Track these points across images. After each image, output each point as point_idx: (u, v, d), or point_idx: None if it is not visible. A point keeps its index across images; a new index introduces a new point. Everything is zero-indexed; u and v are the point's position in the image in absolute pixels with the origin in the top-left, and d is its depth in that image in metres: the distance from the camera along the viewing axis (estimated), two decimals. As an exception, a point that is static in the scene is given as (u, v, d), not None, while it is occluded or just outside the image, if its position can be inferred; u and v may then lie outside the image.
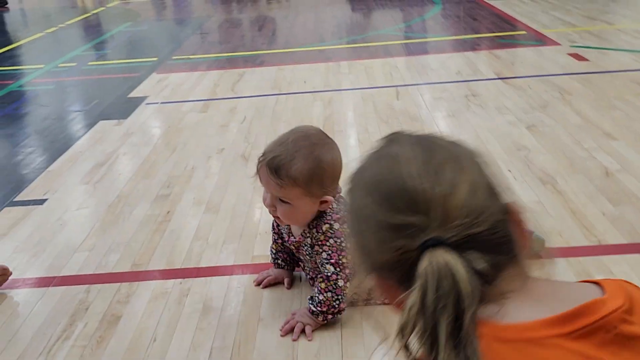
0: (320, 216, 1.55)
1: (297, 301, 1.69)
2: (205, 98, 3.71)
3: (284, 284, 1.76)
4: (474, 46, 4.56)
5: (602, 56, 3.99)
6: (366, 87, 3.70)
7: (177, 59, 4.91)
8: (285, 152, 1.47)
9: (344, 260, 1.52)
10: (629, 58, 3.88)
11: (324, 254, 1.53)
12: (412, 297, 0.61)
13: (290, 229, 1.64)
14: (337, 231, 1.53)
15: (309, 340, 1.52)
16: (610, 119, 2.86)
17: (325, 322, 1.56)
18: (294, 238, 1.63)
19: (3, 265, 1.82)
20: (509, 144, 2.64)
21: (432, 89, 3.55)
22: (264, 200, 1.55)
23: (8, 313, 1.72)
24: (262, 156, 1.51)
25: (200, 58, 4.88)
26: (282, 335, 1.55)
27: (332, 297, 1.53)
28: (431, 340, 0.60)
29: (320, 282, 1.54)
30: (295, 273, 1.80)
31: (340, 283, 1.52)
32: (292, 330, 1.55)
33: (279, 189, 1.49)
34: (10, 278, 1.83)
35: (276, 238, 1.75)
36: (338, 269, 1.52)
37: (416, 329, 0.61)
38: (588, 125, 2.80)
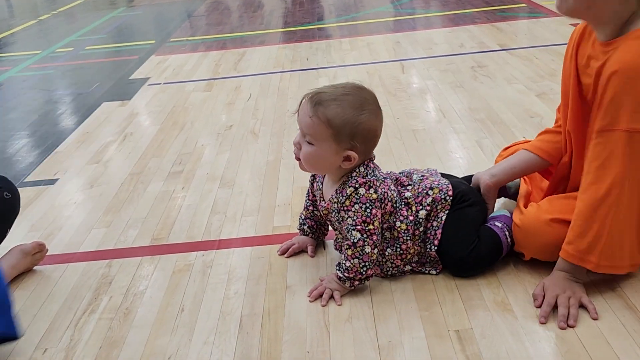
0: (345, 179, 1.53)
1: (322, 268, 1.68)
2: (208, 77, 3.68)
3: (307, 251, 1.75)
4: (474, 20, 4.54)
5: (605, 25, 3.96)
6: (370, 62, 3.68)
7: (175, 41, 4.86)
8: (332, 92, 1.49)
9: (370, 227, 1.50)
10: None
11: (349, 219, 1.51)
12: None
13: (322, 193, 1.62)
14: (362, 196, 1.50)
15: (339, 305, 1.51)
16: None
17: (353, 288, 1.55)
18: (324, 203, 1.61)
19: (39, 242, 1.79)
20: (521, 112, 2.63)
21: (437, 62, 3.53)
22: (295, 140, 1.56)
23: (31, 289, 1.70)
24: (309, 92, 1.52)
25: (198, 39, 4.84)
26: (310, 301, 1.53)
27: (359, 263, 1.51)
28: None
29: (347, 249, 1.52)
30: (319, 241, 1.79)
31: (367, 249, 1.50)
32: (320, 295, 1.54)
33: (310, 123, 1.48)
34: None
35: (308, 204, 1.73)
36: (364, 236, 1.50)
37: None
38: (598, 91, 2.78)
